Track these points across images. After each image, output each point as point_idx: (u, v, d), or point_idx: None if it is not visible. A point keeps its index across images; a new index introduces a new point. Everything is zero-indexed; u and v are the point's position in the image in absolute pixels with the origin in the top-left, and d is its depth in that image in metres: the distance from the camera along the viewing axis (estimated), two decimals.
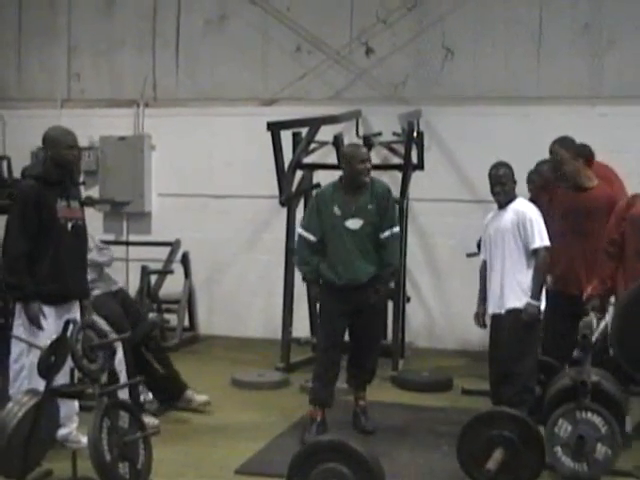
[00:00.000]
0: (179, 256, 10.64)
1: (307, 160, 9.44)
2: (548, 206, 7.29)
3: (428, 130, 9.74)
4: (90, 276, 7.08)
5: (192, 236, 10.61)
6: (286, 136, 9.18)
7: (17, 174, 7.64)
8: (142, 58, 11.12)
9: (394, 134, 9.58)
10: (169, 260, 10.60)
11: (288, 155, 9.18)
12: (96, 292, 7.16)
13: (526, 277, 6.47)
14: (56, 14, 11.37)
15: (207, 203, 10.74)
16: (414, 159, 9.25)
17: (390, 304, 9.04)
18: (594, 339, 6.15)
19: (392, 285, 8.90)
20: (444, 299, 10.18)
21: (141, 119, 11.09)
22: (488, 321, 6.81)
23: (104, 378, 5.62)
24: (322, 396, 6.84)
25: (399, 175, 9.05)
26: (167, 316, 10.29)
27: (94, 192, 10.93)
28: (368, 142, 9.41)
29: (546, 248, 6.48)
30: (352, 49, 10.44)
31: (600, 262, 6.77)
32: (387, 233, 6.76)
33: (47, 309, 6.02)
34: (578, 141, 7.55)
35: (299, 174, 9.37)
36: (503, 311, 6.52)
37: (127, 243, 11.01)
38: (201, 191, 10.75)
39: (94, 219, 10.31)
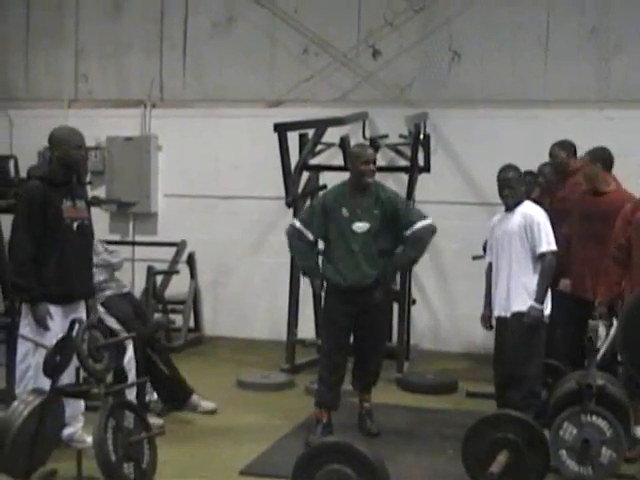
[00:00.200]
0: (185, 257, 10.64)
1: (313, 162, 9.45)
2: (550, 209, 7.29)
3: (434, 133, 9.75)
4: (102, 276, 7.14)
5: (198, 237, 10.62)
6: (292, 138, 9.19)
7: (24, 174, 7.65)
8: (149, 59, 11.14)
9: (400, 136, 9.58)
10: (175, 261, 10.61)
11: (294, 157, 9.19)
12: (108, 293, 7.21)
13: (532, 280, 6.46)
14: (64, 16, 11.39)
15: (213, 204, 10.75)
16: (420, 161, 9.26)
17: (395, 306, 9.06)
18: (603, 350, 6.15)
19: (397, 287, 8.93)
20: (449, 301, 10.18)
21: (148, 120, 11.10)
22: (494, 323, 6.82)
23: (110, 378, 5.63)
24: (327, 399, 6.83)
25: (405, 177, 9.06)
26: (172, 317, 10.30)
27: (101, 192, 10.95)
28: (374, 144, 9.40)
29: (553, 252, 6.47)
30: (359, 51, 10.45)
31: (608, 268, 6.74)
32: (409, 232, 6.69)
33: (53, 309, 6.03)
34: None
35: (305, 176, 9.39)
36: (509, 314, 6.52)
37: (133, 243, 11.02)
38: (207, 192, 10.76)
39: (100, 219, 10.31)
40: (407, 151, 9.31)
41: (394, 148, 9.71)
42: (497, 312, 6.66)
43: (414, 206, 8.99)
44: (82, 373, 5.56)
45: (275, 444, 6.68)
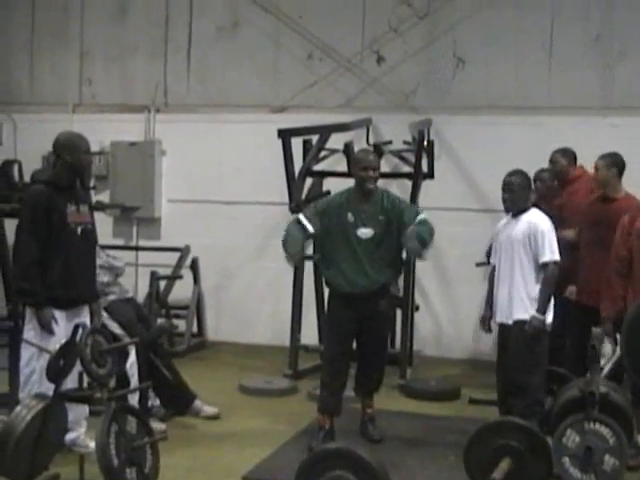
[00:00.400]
0: (188, 262, 10.65)
1: (317, 167, 9.44)
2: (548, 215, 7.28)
3: (438, 139, 9.74)
4: (106, 278, 7.15)
5: (201, 242, 10.62)
6: (297, 143, 9.20)
7: (28, 178, 7.66)
8: (154, 64, 11.14)
9: (404, 142, 9.57)
10: (178, 266, 10.61)
11: (298, 162, 9.20)
12: (111, 297, 7.23)
13: (535, 289, 6.44)
14: (68, 19, 11.40)
15: (217, 209, 10.75)
16: (424, 168, 9.25)
17: (399, 312, 9.06)
18: (607, 369, 6.14)
19: (400, 294, 8.93)
20: (452, 308, 10.17)
21: (152, 125, 11.11)
22: (494, 326, 6.81)
23: (113, 382, 5.63)
24: (330, 405, 6.83)
25: (409, 184, 9.05)
26: (175, 322, 10.27)
27: (104, 197, 10.96)
28: (378, 150, 9.39)
29: (555, 262, 6.44)
30: (363, 57, 10.45)
31: (611, 281, 6.73)
32: (416, 220, 6.61)
33: (58, 313, 6.03)
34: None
35: (309, 181, 9.39)
36: (511, 321, 6.50)
37: (137, 248, 11.02)
38: (211, 197, 10.76)
39: (104, 224, 10.29)
40: (411, 157, 9.30)
41: (398, 154, 9.71)
42: (499, 318, 6.65)
43: None
44: (85, 378, 5.56)
45: (278, 449, 6.68)
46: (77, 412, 6.10)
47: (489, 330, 6.87)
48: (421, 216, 6.68)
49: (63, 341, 5.65)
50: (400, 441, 6.96)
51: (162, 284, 10.25)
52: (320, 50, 10.54)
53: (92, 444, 5.65)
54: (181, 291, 10.43)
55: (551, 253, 6.43)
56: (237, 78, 10.80)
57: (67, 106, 11.28)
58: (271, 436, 6.99)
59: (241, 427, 7.29)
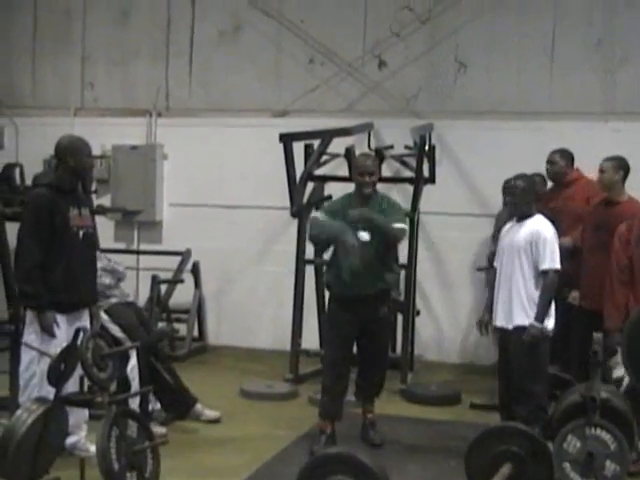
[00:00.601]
0: (189, 266, 10.65)
1: (319, 172, 9.45)
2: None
3: (440, 144, 9.74)
4: (107, 280, 7.16)
5: (203, 246, 10.61)
6: (298, 148, 9.20)
7: (29, 182, 7.66)
8: (155, 68, 11.15)
9: (406, 147, 9.58)
10: (179, 270, 10.61)
11: (300, 167, 9.20)
12: (113, 300, 7.22)
13: (536, 294, 6.43)
14: (71, 23, 11.41)
15: (218, 213, 10.74)
16: (425, 172, 9.24)
17: (400, 317, 9.06)
18: (625, 385, 6.15)
19: (401, 298, 8.93)
20: (454, 313, 10.16)
21: (153, 128, 11.11)
22: (490, 330, 6.80)
23: (114, 386, 5.63)
24: (331, 410, 6.83)
25: (410, 188, 9.05)
26: (176, 326, 10.29)
27: (106, 201, 10.96)
28: (380, 155, 9.42)
29: (555, 271, 6.42)
30: (365, 62, 10.45)
31: (614, 290, 6.71)
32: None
33: (59, 317, 6.03)
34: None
35: (310, 186, 9.39)
36: (510, 326, 6.49)
37: (138, 252, 11.02)
38: (212, 201, 10.75)
39: (105, 228, 10.33)
40: (412, 162, 9.30)
41: (399, 159, 9.72)
42: (499, 322, 6.63)
43: (419, 217, 9.06)
44: (86, 382, 5.56)
45: (278, 454, 6.68)
46: (77, 416, 6.11)
47: (486, 333, 6.88)
48: (399, 225, 6.70)
49: (64, 345, 5.65)
50: (401, 446, 6.95)
51: (163, 288, 10.24)
52: (322, 54, 10.55)
53: (93, 448, 5.65)
54: (182, 295, 10.42)
55: (552, 261, 6.41)
56: (239, 82, 10.80)
57: (69, 110, 11.28)
58: (272, 440, 6.98)
59: (242, 431, 7.29)
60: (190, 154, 10.86)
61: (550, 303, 6.47)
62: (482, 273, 9.10)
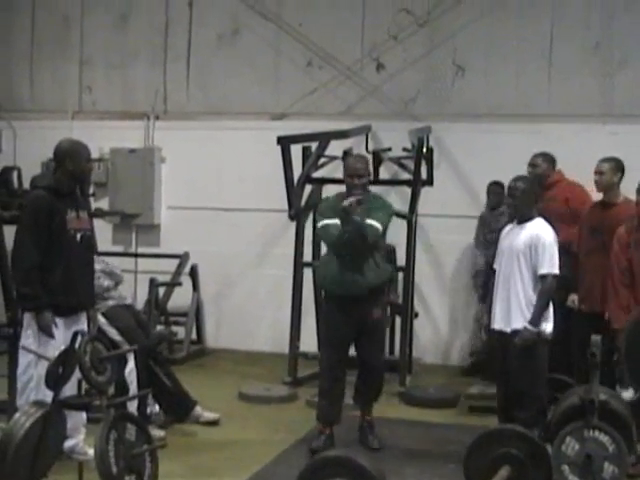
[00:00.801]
0: (187, 269, 10.65)
1: (316, 174, 9.46)
2: None
3: (438, 146, 9.74)
4: (106, 282, 7.15)
5: (201, 249, 10.61)
6: (296, 150, 9.20)
7: (27, 185, 7.65)
8: (153, 71, 11.15)
9: (404, 150, 9.57)
10: (177, 272, 10.61)
11: (298, 169, 9.20)
12: (110, 303, 7.21)
13: (534, 298, 6.40)
14: (69, 27, 11.42)
15: (216, 216, 10.74)
16: (423, 175, 9.25)
17: (398, 319, 9.06)
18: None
19: (400, 301, 8.94)
20: (452, 315, 10.17)
21: (152, 132, 11.12)
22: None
23: (112, 389, 5.62)
24: (328, 414, 6.83)
25: (408, 191, 9.05)
26: (175, 329, 10.27)
27: (104, 204, 10.97)
28: (378, 157, 9.42)
29: (554, 276, 6.39)
30: (363, 65, 10.46)
31: (617, 291, 6.71)
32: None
33: (56, 320, 6.02)
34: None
35: (308, 188, 9.39)
36: (509, 329, 6.47)
37: (136, 255, 11.02)
38: (210, 204, 10.75)
39: (103, 231, 10.34)
40: (410, 165, 9.30)
41: (397, 161, 9.71)
42: (497, 325, 6.59)
43: (417, 220, 9.06)
44: (84, 385, 5.56)
45: (277, 457, 6.67)
46: (75, 419, 6.09)
47: (486, 336, 6.86)
48: (372, 222, 6.60)
49: (61, 348, 5.64)
50: (399, 449, 6.94)
51: (161, 291, 10.25)
52: (320, 58, 10.55)
53: (91, 451, 5.64)
54: (180, 298, 10.42)
55: (550, 266, 6.38)
56: (237, 85, 10.81)
57: (67, 113, 11.28)
58: (270, 443, 6.98)
59: (241, 435, 7.28)
60: (188, 157, 10.86)
61: (547, 308, 6.44)
62: (480, 275, 9.15)
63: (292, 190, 9.06)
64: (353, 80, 10.50)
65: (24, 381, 6.05)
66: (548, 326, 6.44)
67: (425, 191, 9.27)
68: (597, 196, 7.66)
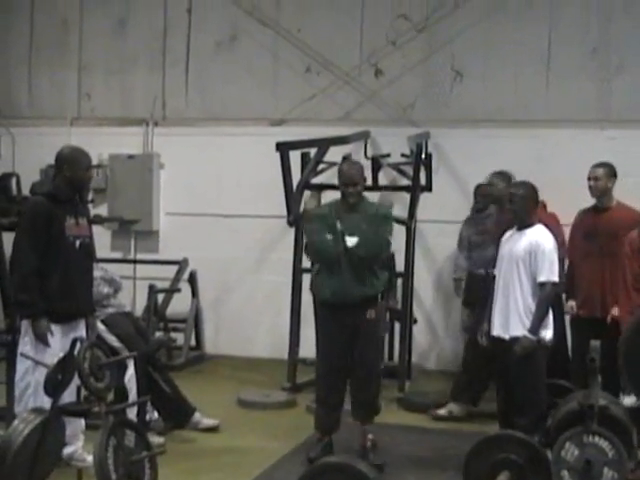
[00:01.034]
0: (186, 275, 10.63)
1: (315, 180, 9.46)
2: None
3: (436, 152, 9.75)
4: (106, 289, 7.15)
5: (200, 255, 10.60)
6: (295, 156, 9.21)
7: (26, 191, 7.65)
8: (152, 77, 11.15)
9: (403, 155, 9.58)
10: (176, 279, 10.59)
11: (297, 175, 9.21)
12: (110, 310, 7.21)
13: (533, 305, 6.38)
14: (67, 32, 11.41)
15: (215, 222, 10.73)
16: (422, 181, 9.25)
17: (397, 325, 9.05)
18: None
19: (399, 306, 8.93)
20: (451, 321, 10.16)
21: (150, 138, 11.11)
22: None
23: (111, 396, 5.61)
24: (326, 423, 6.76)
25: (407, 196, 9.06)
26: (174, 335, 10.26)
27: (102, 210, 10.95)
28: (377, 163, 9.42)
29: (553, 284, 6.37)
30: (362, 70, 10.46)
31: (630, 296, 6.69)
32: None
33: (54, 327, 6.01)
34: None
35: (307, 194, 9.39)
36: (507, 336, 6.45)
37: (135, 261, 11.01)
38: (209, 210, 10.75)
39: (102, 237, 10.34)
40: (409, 170, 9.31)
41: (396, 167, 9.71)
42: (496, 331, 6.57)
43: (416, 226, 9.05)
44: (83, 391, 5.55)
45: (276, 463, 6.67)
46: (74, 426, 6.09)
47: (486, 342, 6.83)
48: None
49: (59, 355, 5.63)
50: (398, 455, 6.92)
51: (160, 297, 10.23)
52: (318, 63, 10.56)
53: (90, 458, 5.64)
54: (179, 304, 10.41)
55: (550, 273, 6.35)
56: (236, 91, 10.80)
57: (65, 119, 11.27)
58: (270, 449, 6.97)
59: (239, 441, 7.28)
60: (187, 163, 10.86)
61: (546, 315, 6.43)
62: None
63: (291, 196, 9.07)
64: (352, 86, 10.51)
65: (22, 388, 6.05)
66: (548, 333, 6.42)
67: (424, 197, 9.28)
68: (588, 202, 7.64)
